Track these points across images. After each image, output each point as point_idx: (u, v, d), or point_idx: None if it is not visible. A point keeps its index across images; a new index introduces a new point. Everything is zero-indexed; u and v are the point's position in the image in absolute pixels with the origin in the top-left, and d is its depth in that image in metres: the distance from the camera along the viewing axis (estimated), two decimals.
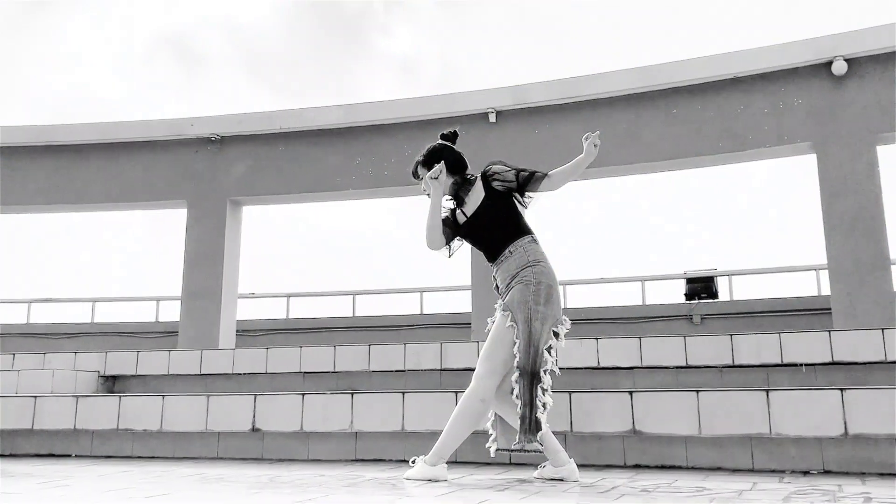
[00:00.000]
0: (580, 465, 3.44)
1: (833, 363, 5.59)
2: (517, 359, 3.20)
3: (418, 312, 13.78)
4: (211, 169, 10.52)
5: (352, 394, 4.40)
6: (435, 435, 3.41)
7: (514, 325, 3.24)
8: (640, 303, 12.86)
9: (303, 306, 14.93)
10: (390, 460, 4.24)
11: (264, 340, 12.90)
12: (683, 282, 12.80)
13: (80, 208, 11.12)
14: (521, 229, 3.43)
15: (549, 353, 3.23)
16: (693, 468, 3.70)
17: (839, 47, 8.37)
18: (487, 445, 3.44)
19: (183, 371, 7.32)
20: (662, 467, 3.75)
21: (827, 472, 3.47)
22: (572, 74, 9.51)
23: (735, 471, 3.60)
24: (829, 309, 8.32)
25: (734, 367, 5.80)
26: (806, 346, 5.71)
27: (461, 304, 12.56)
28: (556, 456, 3.30)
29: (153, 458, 4.65)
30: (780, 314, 11.16)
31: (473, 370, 3.35)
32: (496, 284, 3.47)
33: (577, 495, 2.85)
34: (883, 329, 5.61)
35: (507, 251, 3.39)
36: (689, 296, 12.44)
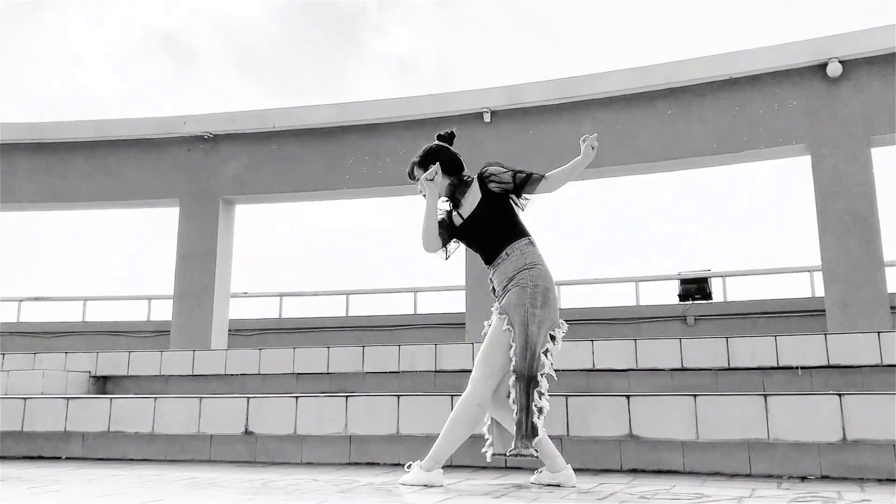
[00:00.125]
0: (577, 470, 3.41)
1: (829, 366, 5.59)
2: (514, 362, 3.17)
3: (412, 312, 13.73)
4: (203, 167, 10.45)
5: (346, 397, 4.35)
6: (430, 438, 3.37)
7: (511, 329, 3.21)
8: (634, 303, 12.83)
9: (295, 306, 14.89)
10: (385, 464, 4.20)
11: (256, 340, 12.83)
12: (677, 283, 12.78)
13: (71, 206, 11.02)
14: (518, 231, 3.40)
15: (546, 356, 3.21)
16: (690, 473, 3.68)
17: (834, 49, 8.38)
18: (484, 450, 3.41)
19: (175, 372, 7.27)
20: (659, 472, 3.73)
21: (825, 478, 3.45)
22: (569, 74, 9.51)
23: (733, 476, 3.58)
24: (823, 310, 8.32)
25: (729, 369, 5.80)
26: (801, 348, 5.70)
27: (455, 304, 12.51)
28: (553, 461, 3.26)
29: (145, 460, 4.60)
30: (773, 315, 11.16)
31: (468, 372, 3.32)
32: (493, 287, 3.43)
33: (575, 502, 2.81)
34: (879, 332, 5.61)
35: (503, 253, 3.35)
36: (683, 297, 12.40)
